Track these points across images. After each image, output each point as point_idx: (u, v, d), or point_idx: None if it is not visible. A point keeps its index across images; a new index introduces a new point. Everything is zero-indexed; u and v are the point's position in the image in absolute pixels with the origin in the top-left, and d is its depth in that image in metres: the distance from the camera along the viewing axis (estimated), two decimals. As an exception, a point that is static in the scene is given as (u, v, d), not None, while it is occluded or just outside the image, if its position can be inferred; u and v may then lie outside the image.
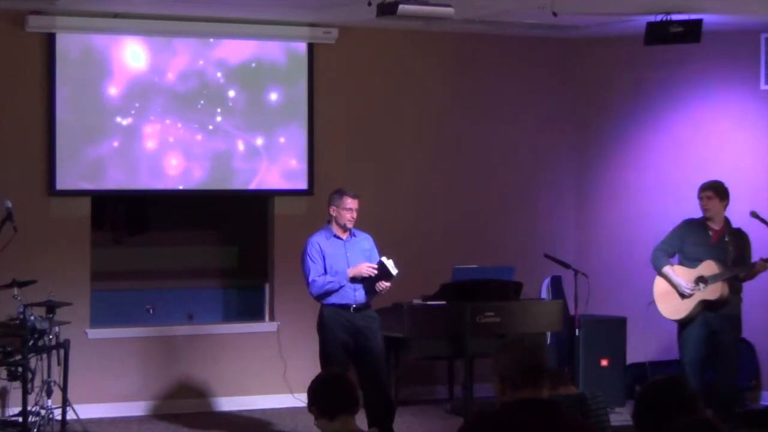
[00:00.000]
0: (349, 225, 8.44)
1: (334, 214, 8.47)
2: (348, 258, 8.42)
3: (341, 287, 8.35)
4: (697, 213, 9.05)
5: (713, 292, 8.82)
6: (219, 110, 10.15)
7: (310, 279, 8.37)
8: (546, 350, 9.72)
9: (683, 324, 8.95)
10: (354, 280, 8.36)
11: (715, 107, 10.73)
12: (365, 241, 8.61)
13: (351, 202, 8.41)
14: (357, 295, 8.41)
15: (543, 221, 11.21)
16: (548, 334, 9.96)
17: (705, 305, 8.85)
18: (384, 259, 8.39)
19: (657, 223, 10.43)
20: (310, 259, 8.39)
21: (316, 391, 4.79)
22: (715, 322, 8.86)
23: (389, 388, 8.68)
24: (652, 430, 4.26)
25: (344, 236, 8.48)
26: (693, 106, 10.83)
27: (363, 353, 8.39)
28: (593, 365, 10.02)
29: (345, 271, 8.33)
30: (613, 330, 10.19)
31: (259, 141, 10.27)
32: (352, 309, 8.39)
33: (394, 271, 8.35)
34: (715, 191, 8.83)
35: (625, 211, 11.10)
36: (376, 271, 8.33)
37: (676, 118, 10.91)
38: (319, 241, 8.43)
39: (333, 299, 8.39)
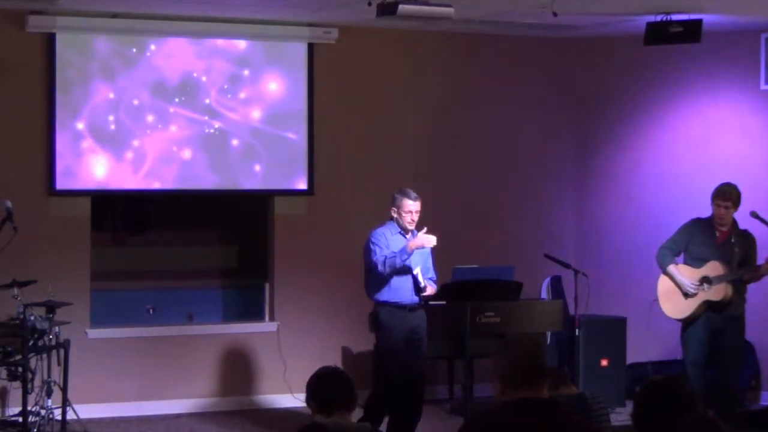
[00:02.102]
0: (410, 227, 8.45)
1: (395, 215, 8.47)
2: (410, 257, 8.46)
3: (403, 264, 8.30)
4: (699, 212, 9.05)
5: (717, 292, 8.81)
6: (219, 110, 10.15)
7: (375, 260, 8.33)
8: (546, 350, 9.73)
9: (686, 324, 8.95)
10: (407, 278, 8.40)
11: (715, 107, 10.73)
12: None
13: (411, 205, 8.41)
14: (413, 295, 8.46)
15: (543, 221, 11.21)
16: (548, 334, 9.96)
17: (708, 306, 8.85)
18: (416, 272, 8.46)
19: (657, 223, 10.44)
20: (379, 243, 8.38)
21: (314, 387, 4.84)
22: (717, 323, 8.86)
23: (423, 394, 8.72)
24: (652, 430, 4.26)
25: (408, 235, 8.49)
26: (693, 106, 10.83)
27: (412, 352, 8.44)
28: (593, 365, 10.02)
29: (404, 247, 8.30)
30: (613, 330, 10.19)
31: (259, 141, 10.27)
32: (408, 309, 8.42)
33: (421, 284, 8.42)
34: (735, 201, 8.81)
35: (625, 211, 11.10)
36: (435, 243, 8.36)
37: (676, 118, 10.91)
38: (384, 233, 8.45)
39: (390, 297, 8.40)
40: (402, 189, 8.54)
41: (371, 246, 8.42)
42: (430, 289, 8.51)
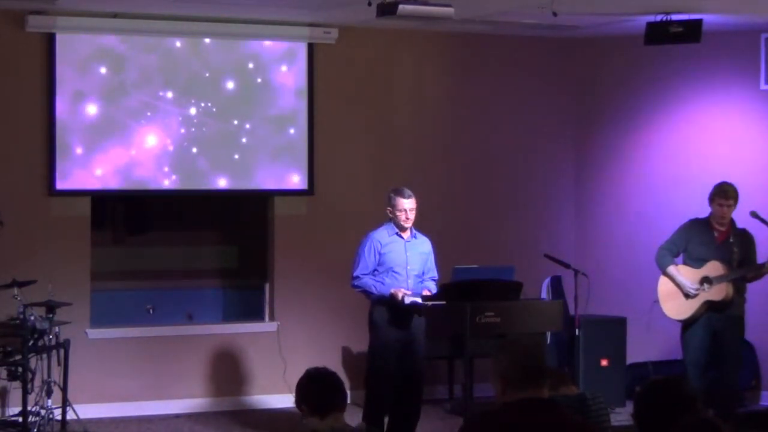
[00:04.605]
0: (405, 225, 8.45)
1: (390, 215, 8.47)
2: (407, 257, 8.47)
3: (380, 296, 8.39)
4: (699, 212, 9.04)
5: (718, 292, 8.80)
6: (219, 110, 10.15)
7: (356, 273, 8.44)
8: (546, 350, 9.72)
9: (687, 324, 8.94)
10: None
11: (715, 107, 10.73)
12: (425, 244, 8.65)
13: (405, 203, 8.41)
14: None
15: (543, 221, 11.21)
16: (548, 334, 9.96)
17: (709, 306, 8.84)
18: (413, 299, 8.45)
19: (657, 222, 10.44)
20: (364, 254, 8.44)
21: (306, 389, 4.78)
22: (718, 323, 8.85)
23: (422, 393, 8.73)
24: (652, 430, 4.26)
25: (405, 235, 8.50)
26: (693, 106, 10.83)
27: (407, 352, 8.45)
28: (593, 365, 10.02)
29: (389, 290, 8.36)
30: (613, 330, 10.19)
31: (259, 141, 10.27)
32: (403, 308, 8.41)
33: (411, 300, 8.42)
34: (736, 200, 8.81)
35: (624, 210, 11.10)
36: (409, 300, 8.36)
37: (676, 118, 10.91)
38: (379, 238, 8.46)
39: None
40: (396, 188, 8.54)
41: (361, 251, 8.47)
42: (426, 291, 8.51)
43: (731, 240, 8.84)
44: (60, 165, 9.72)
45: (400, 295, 8.32)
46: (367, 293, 8.47)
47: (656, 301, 9.03)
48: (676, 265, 9.01)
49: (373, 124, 10.66)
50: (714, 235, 8.90)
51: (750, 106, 10.57)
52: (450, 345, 9.73)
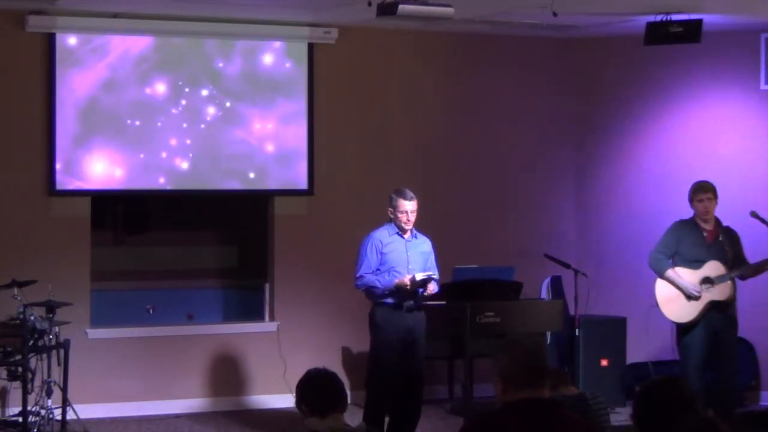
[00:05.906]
0: (406, 227, 8.43)
1: (391, 216, 8.46)
2: (408, 257, 8.45)
3: (384, 293, 8.37)
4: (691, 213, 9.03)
5: (722, 292, 8.76)
6: (219, 110, 10.15)
7: (359, 273, 8.42)
8: (546, 350, 9.73)
9: (687, 327, 8.88)
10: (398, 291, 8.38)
11: (715, 107, 10.74)
12: (425, 244, 8.62)
13: (406, 205, 8.38)
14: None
15: (543, 221, 11.21)
16: (548, 334, 9.97)
17: (711, 306, 8.81)
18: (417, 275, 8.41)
19: (657, 222, 10.41)
20: (367, 253, 8.42)
21: (306, 389, 4.80)
22: (717, 323, 8.83)
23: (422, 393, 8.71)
24: (652, 430, 4.26)
25: (406, 236, 8.48)
26: (693, 106, 10.83)
27: (407, 352, 8.44)
28: (593, 365, 10.02)
29: (392, 281, 8.34)
30: (613, 330, 10.20)
31: (259, 141, 10.27)
32: (404, 309, 8.40)
33: (424, 275, 8.35)
34: (714, 193, 8.82)
35: (625, 210, 11.11)
36: (420, 277, 8.34)
37: (675, 118, 10.92)
38: (380, 238, 8.44)
39: (387, 299, 8.41)
40: (398, 189, 8.52)
41: (363, 251, 8.45)
42: (431, 287, 8.49)
43: (721, 239, 8.83)
44: (60, 165, 9.72)
45: (406, 280, 8.31)
46: (371, 290, 8.43)
47: (655, 305, 8.97)
48: (674, 267, 8.97)
49: (373, 124, 10.66)
50: (703, 235, 8.87)
51: (750, 106, 10.58)
52: (450, 345, 9.73)
